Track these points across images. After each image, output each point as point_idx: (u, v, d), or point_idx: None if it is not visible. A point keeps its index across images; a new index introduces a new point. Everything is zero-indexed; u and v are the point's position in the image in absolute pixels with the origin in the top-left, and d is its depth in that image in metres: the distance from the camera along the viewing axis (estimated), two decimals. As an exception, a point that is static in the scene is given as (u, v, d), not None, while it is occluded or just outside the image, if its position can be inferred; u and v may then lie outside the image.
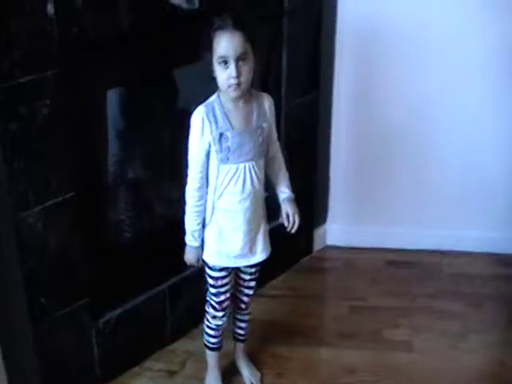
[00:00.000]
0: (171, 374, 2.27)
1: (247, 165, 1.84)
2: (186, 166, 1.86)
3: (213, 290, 2.01)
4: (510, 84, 2.53)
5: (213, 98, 1.82)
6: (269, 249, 2.00)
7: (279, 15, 2.26)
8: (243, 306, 2.15)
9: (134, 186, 2.27)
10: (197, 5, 1.86)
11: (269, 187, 1.98)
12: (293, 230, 1.95)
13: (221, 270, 1.98)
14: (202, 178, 1.86)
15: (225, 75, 1.72)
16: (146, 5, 1.81)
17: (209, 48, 1.72)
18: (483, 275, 2.70)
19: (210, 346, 2.16)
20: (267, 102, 1.89)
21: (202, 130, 1.79)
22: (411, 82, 2.57)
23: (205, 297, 2.07)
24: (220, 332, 2.13)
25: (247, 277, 2.06)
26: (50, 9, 1.62)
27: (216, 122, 1.79)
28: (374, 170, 2.72)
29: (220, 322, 2.09)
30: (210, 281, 2.00)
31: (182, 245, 2.01)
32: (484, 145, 2.65)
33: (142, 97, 2.07)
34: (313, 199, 2.71)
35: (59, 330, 2.01)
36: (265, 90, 1.97)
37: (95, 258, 2.04)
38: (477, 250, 2.77)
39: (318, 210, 2.77)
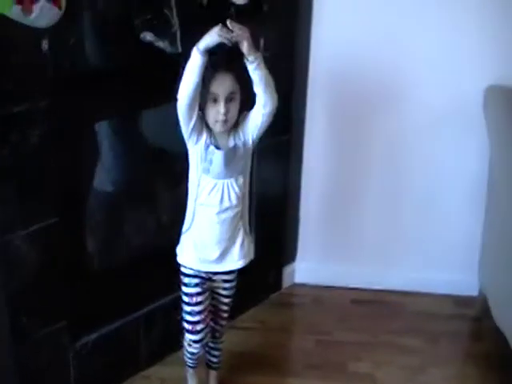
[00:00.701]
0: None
1: (226, 182, 1.93)
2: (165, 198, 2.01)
3: (188, 309, 2.08)
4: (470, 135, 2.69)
5: None
6: (245, 260, 2.07)
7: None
8: (217, 333, 2.23)
9: (115, 215, 2.39)
10: (180, 49, 2.02)
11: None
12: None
13: (196, 285, 2.05)
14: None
15: (214, 111, 1.85)
16: (133, 46, 1.97)
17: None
18: (442, 315, 2.83)
19: (188, 363, 2.26)
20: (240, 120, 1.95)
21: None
22: (383, 124, 2.72)
23: (180, 325, 2.15)
24: (195, 357, 2.21)
25: (222, 291, 2.13)
26: (45, 45, 1.77)
27: (210, 133, 1.90)
28: (342, 211, 2.87)
29: (195, 350, 2.17)
30: (186, 298, 2.07)
31: (158, 273, 2.13)
32: (448, 190, 2.80)
33: (126, 131, 2.23)
34: (282, 238, 2.85)
35: (39, 348, 2.09)
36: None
37: (75, 282, 2.14)
38: (437, 291, 2.90)
39: (287, 249, 2.90)
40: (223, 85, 1.83)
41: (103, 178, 2.24)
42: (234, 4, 2.15)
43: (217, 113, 1.85)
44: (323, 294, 2.90)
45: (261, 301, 2.83)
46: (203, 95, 1.83)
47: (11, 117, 1.79)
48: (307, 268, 2.95)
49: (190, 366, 2.27)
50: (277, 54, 2.31)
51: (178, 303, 2.43)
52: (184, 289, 2.07)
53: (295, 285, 2.97)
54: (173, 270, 2.34)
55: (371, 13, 2.56)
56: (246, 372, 2.47)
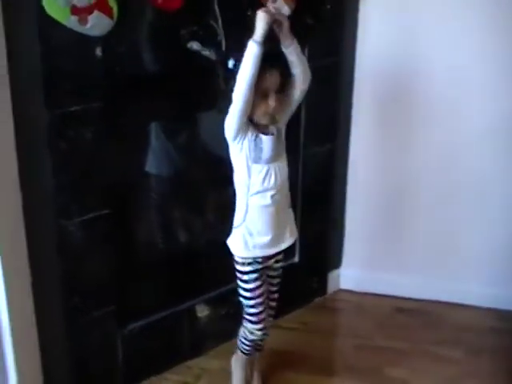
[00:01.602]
0: (185, 385, 2.52)
1: (276, 165, 2.03)
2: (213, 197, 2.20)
3: (251, 303, 2.16)
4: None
5: None
6: (294, 235, 2.18)
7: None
8: (271, 312, 2.28)
9: (164, 211, 2.56)
10: (224, 56, 2.18)
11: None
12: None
13: (256, 279, 2.13)
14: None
15: (264, 105, 1.94)
16: (180, 54, 2.16)
17: None
18: (484, 328, 2.84)
19: (243, 350, 2.34)
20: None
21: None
22: (429, 133, 2.78)
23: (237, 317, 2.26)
24: (253, 344, 2.31)
25: (274, 273, 2.22)
26: (99, 52, 1.98)
27: (253, 125, 1.99)
28: (388, 219, 2.94)
29: (257, 338, 2.26)
30: (248, 294, 2.15)
31: (205, 269, 2.31)
32: (493, 204, 2.82)
33: (174, 132, 2.40)
34: (328, 244, 2.95)
35: (89, 328, 2.28)
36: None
37: (125, 271, 2.32)
38: (481, 305, 2.91)
39: (332, 255, 3.00)
40: (272, 79, 1.93)
41: (153, 175, 2.42)
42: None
43: (267, 106, 1.95)
44: (366, 301, 2.98)
45: (305, 304, 2.94)
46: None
47: (68, 115, 2.00)
48: (352, 275, 3.03)
49: (246, 354, 2.35)
50: (322, 66, 2.44)
51: (222, 298, 2.60)
52: (245, 285, 2.15)
53: (340, 290, 3.06)
54: (219, 265, 2.51)
55: (417, 25, 2.63)
56: (287, 369, 2.57)
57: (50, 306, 2.22)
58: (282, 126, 2.07)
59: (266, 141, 2.00)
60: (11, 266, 2.05)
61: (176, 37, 2.12)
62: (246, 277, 2.14)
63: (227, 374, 2.44)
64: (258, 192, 2.04)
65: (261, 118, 1.99)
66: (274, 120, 2.02)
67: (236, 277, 2.16)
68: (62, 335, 2.26)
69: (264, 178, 2.02)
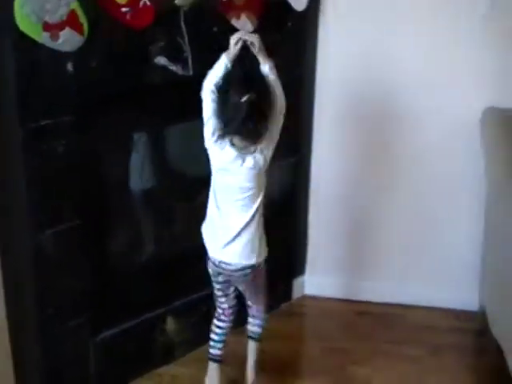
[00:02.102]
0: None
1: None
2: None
3: (217, 293, 2.35)
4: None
5: None
6: (255, 259, 2.20)
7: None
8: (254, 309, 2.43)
9: (133, 221, 2.63)
10: (191, 72, 2.29)
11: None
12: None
13: (218, 278, 2.27)
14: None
15: None
16: (147, 68, 2.26)
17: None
18: (443, 328, 2.99)
19: (210, 355, 2.43)
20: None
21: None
22: (391, 143, 2.92)
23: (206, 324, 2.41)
24: (219, 344, 2.41)
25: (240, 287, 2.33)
26: (70, 67, 2.05)
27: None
28: (349, 228, 3.06)
29: (217, 337, 2.39)
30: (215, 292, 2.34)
31: (174, 278, 2.44)
32: (449, 210, 2.97)
33: (144, 144, 2.49)
34: (292, 252, 3.06)
35: (63, 339, 2.33)
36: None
37: (97, 280, 2.38)
38: (439, 306, 3.06)
39: (297, 262, 3.11)
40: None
41: (125, 187, 2.50)
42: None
43: None
44: (330, 305, 3.08)
45: (272, 310, 3.01)
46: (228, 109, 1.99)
47: (40, 129, 2.06)
48: (316, 281, 3.13)
49: (212, 359, 2.43)
50: (284, 80, 2.55)
51: (191, 307, 2.68)
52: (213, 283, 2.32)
53: (305, 296, 3.16)
54: (188, 275, 2.62)
55: (377, 37, 2.78)
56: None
57: (24, 316, 2.27)
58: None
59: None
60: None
61: (145, 52, 2.21)
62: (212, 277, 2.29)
63: (197, 380, 2.51)
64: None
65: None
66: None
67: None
68: (35, 345, 2.30)
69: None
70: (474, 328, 2.95)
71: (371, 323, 3.01)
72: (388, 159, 2.95)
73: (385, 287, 3.09)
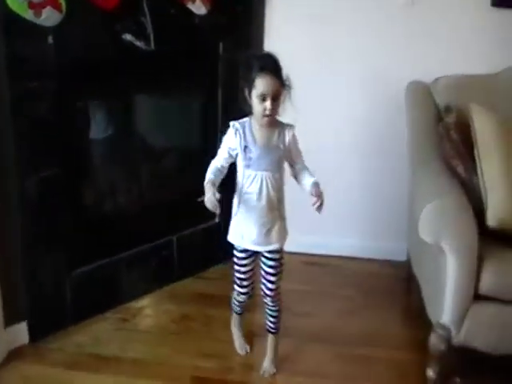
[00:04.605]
0: (124, 321, 3.01)
1: (264, 174, 2.36)
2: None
3: (236, 267, 2.57)
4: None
5: (246, 118, 2.37)
6: (281, 242, 2.49)
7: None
8: (268, 293, 2.58)
9: (106, 172, 3.06)
10: (152, 47, 2.72)
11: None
12: (321, 209, 2.36)
13: (241, 251, 2.51)
14: (221, 166, 2.39)
15: (261, 108, 2.26)
16: (116, 42, 2.68)
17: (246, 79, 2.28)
18: (375, 274, 3.47)
19: (234, 310, 2.80)
20: (289, 132, 2.38)
21: (231, 138, 2.36)
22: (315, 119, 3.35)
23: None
24: (241, 305, 2.74)
25: (267, 268, 2.53)
26: (50, 40, 2.47)
27: (244, 136, 2.34)
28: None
29: (240, 299, 2.68)
30: (235, 259, 2.56)
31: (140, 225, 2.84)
32: (381, 174, 3.44)
33: (112, 107, 2.94)
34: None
35: (43, 271, 2.73)
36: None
37: (72, 222, 2.79)
38: (374, 257, 3.55)
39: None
40: (271, 85, 2.24)
41: (97, 142, 2.93)
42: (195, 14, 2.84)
43: (264, 109, 2.26)
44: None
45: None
46: (251, 95, 2.27)
47: (26, 91, 2.48)
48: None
49: (236, 312, 2.81)
50: (234, 59, 2.95)
51: (154, 251, 3.12)
52: (234, 252, 2.55)
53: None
54: (150, 224, 3.02)
55: (317, 21, 3.23)
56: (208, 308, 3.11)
57: (10, 248, 2.65)
58: (291, 147, 2.40)
59: (254, 151, 2.36)
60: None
61: (113, 29, 2.65)
62: (236, 253, 2.54)
63: (156, 313, 3.05)
64: (246, 193, 2.40)
65: (259, 119, 2.31)
66: (275, 129, 2.36)
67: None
68: (20, 275, 2.69)
69: (251, 183, 2.38)
70: (402, 275, 3.38)
71: (313, 270, 3.49)
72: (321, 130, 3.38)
73: (328, 241, 3.56)
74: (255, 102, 2.28)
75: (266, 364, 2.71)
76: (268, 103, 2.25)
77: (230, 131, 2.38)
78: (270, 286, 2.57)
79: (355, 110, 3.37)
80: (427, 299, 2.74)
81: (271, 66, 2.26)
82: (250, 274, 2.59)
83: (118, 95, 2.91)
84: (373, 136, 3.39)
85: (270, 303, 2.62)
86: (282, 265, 2.55)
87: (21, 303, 2.74)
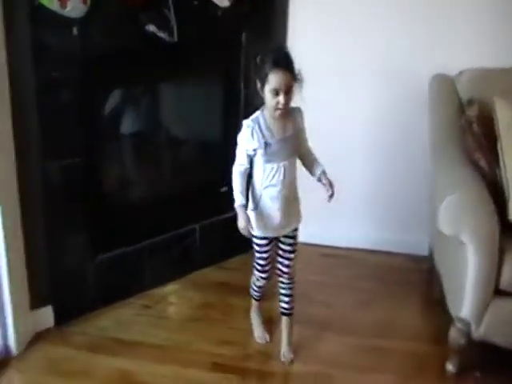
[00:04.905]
0: (147, 307, 3.07)
1: (285, 163, 2.42)
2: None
3: (257, 255, 2.62)
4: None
5: (257, 113, 2.40)
6: (299, 220, 2.59)
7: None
8: (286, 270, 2.65)
9: (128, 161, 3.13)
10: (176, 39, 2.76)
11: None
12: (332, 199, 2.48)
13: (262, 238, 2.56)
14: (245, 169, 2.43)
15: (274, 102, 2.30)
16: (139, 33, 2.73)
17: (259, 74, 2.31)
18: (394, 267, 3.46)
19: (253, 297, 2.86)
20: (298, 113, 2.44)
21: (248, 139, 2.38)
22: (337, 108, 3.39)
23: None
24: (260, 290, 2.79)
25: (286, 247, 2.61)
26: (75, 31, 2.53)
27: (262, 133, 2.37)
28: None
29: (260, 284, 2.74)
30: (256, 247, 2.61)
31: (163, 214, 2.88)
32: (403, 169, 3.43)
33: (136, 97, 2.98)
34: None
35: (67, 253, 2.79)
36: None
37: (98, 210, 2.86)
38: (395, 250, 3.54)
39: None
40: (284, 79, 2.28)
41: (120, 132, 2.98)
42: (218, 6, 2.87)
43: (277, 103, 2.31)
44: (299, 248, 3.49)
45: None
46: (264, 89, 2.31)
47: (50, 79, 2.55)
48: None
49: (255, 299, 2.86)
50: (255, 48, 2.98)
51: (177, 240, 3.16)
52: (254, 240, 2.59)
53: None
54: (173, 213, 3.07)
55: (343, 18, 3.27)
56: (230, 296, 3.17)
57: (36, 234, 2.72)
58: (301, 128, 2.47)
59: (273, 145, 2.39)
60: (5, 202, 2.55)
61: (136, 21, 2.69)
62: (257, 241, 2.58)
63: (178, 300, 3.11)
64: (268, 187, 2.45)
65: (272, 112, 2.35)
66: (288, 119, 2.41)
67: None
68: (45, 260, 2.77)
69: (273, 176, 2.43)
70: (424, 269, 3.37)
71: (332, 263, 3.50)
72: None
73: (348, 234, 3.57)
74: (268, 96, 2.32)
75: (284, 349, 2.75)
76: (281, 97, 2.30)
77: (246, 132, 2.39)
78: (287, 262, 2.65)
79: (379, 102, 3.36)
80: (448, 293, 2.75)
81: (284, 61, 2.30)
82: (270, 258, 2.65)
83: (141, 85, 2.97)
84: (395, 130, 3.38)
85: (286, 280, 2.69)
86: (296, 245, 2.65)
87: (46, 288, 2.82)
